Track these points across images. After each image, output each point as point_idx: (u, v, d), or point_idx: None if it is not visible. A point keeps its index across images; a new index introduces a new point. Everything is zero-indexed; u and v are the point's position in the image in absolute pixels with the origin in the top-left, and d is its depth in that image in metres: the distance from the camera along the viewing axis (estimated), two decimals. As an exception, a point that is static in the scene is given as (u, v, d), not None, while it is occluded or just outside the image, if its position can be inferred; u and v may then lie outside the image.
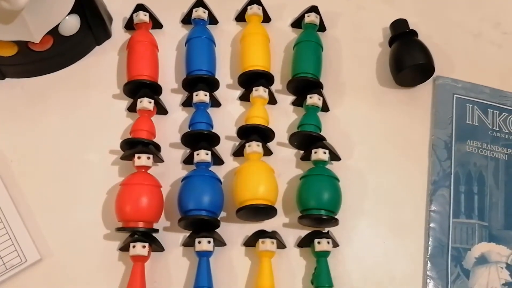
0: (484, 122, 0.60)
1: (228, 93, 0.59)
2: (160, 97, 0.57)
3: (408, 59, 0.59)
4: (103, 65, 0.59)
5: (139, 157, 0.51)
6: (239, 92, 0.59)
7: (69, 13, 0.52)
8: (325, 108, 0.58)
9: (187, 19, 0.61)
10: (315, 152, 0.54)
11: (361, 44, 0.63)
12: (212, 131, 0.55)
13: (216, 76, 0.58)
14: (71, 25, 0.53)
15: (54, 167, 0.55)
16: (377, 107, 0.60)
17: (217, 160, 0.55)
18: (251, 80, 0.57)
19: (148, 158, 0.51)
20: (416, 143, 0.59)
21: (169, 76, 0.59)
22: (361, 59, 0.62)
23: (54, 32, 0.52)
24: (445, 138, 0.59)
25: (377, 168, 0.57)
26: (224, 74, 0.60)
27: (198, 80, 0.56)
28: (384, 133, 0.59)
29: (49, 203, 0.53)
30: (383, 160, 0.58)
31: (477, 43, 0.65)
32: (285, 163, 0.57)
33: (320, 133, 0.56)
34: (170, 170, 0.55)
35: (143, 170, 0.52)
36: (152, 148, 0.52)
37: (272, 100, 0.58)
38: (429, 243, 0.54)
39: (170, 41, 0.61)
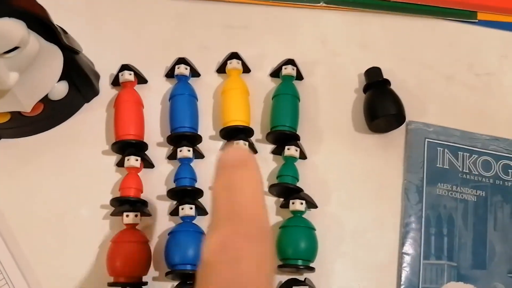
0: (454, 165, 0.63)
1: (211, 144, 0.62)
2: (146, 152, 0.60)
3: (380, 109, 0.61)
4: (92, 121, 0.62)
5: (127, 215, 0.55)
6: (221, 143, 0.62)
7: (58, 80, 0.55)
8: (302, 156, 0.61)
9: (170, 74, 0.64)
10: (293, 203, 0.57)
11: (338, 91, 0.65)
12: (196, 184, 0.59)
13: (199, 128, 0.61)
14: (60, 91, 0.56)
15: (49, 222, 0.57)
16: (353, 153, 0.63)
17: (202, 211, 0.58)
18: (232, 133, 0.60)
19: (136, 215, 0.55)
20: (389, 187, 0.62)
21: (154, 130, 0.62)
22: (338, 105, 0.65)
23: (44, 98, 0.55)
24: (416, 182, 0.62)
25: (353, 212, 0.60)
26: (207, 125, 0.63)
27: (181, 137, 0.59)
28: (360, 179, 0.62)
29: (46, 257, 0.57)
30: (359, 204, 0.61)
31: (449, 86, 0.67)
32: (266, 211, 0.60)
33: (298, 183, 0.59)
34: (158, 221, 0.58)
35: (131, 226, 0.55)
36: (140, 206, 0.56)
37: (253, 150, 0.61)
38: (401, 284, 0.58)
39: (155, 95, 0.64)
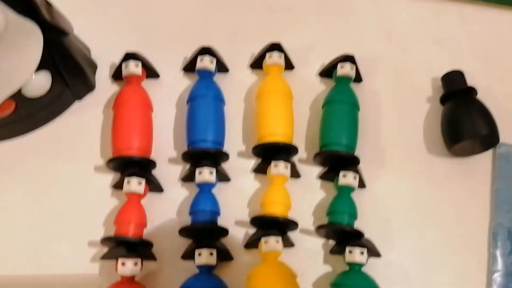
0: (557, 203, 0.48)
1: (239, 164, 0.48)
2: (154, 171, 0.46)
3: (466, 128, 0.47)
4: (84, 126, 0.48)
5: (123, 263, 0.40)
6: (253, 161, 0.48)
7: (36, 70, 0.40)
8: (360, 184, 0.46)
9: (190, 67, 0.49)
10: (350, 252, 0.42)
11: (406, 99, 0.51)
12: (219, 219, 0.44)
13: (226, 141, 0.47)
14: (38, 85, 0.42)
15: (16, 260, 0.44)
16: (425, 182, 0.49)
17: (225, 255, 0.43)
18: (269, 151, 0.45)
19: (135, 263, 0.40)
20: (473, 229, 0.47)
21: (166, 142, 0.48)
22: (406, 118, 0.51)
23: (16, 94, 0.40)
24: (508, 225, 0.47)
25: (424, 263, 0.46)
26: (235, 138, 0.49)
27: (201, 154, 0.44)
28: (434, 217, 0.48)
29: None
30: (432, 252, 0.47)
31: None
32: (310, 257, 0.46)
33: (355, 223, 0.44)
34: (166, 268, 0.45)
35: (129, 279, 0.41)
36: (141, 249, 0.41)
37: (295, 174, 0.46)
38: None
39: (169, 94, 0.50)
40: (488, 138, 0.47)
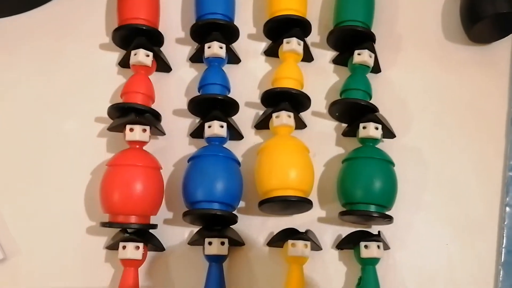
0: None
1: (250, 46, 0.47)
2: (161, 48, 0.45)
3: (486, 7, 0.45)
4: (88, 3, 0.47)
5: (131, 129, 0.40)
6: (264, 44, 0.47)
7: None
8: (376, 68, 0.45)
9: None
10: (364, 128, 0.41)
11: None
12: (229, 95, 0.43)
13: (235, 23, 0.45)
14: None
15: (22, 140, 0.44)
16: (442, 68, 0.47)
17: (235, 133, 0.42)
18: (281, 29, 0.44)
19: (144, 130, 0.40)
20: (490, 116, 0.47)
21: (173, 21, 0.47)
22: (423, 3, 0.49)
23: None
24: (528, 111, 0.46)
25: (440, 148, 0.45)
26: (246, 20, 0.47)
27: (211, 27, 0.42)
28: (450, 103, 0.47)
29: (16, 188, 0.43)
30: (448, 137, 0.46)
31: None
32: (323, 139, 0.45)
33: (371, 101, 0.43)
34: (174, 145, 0.44)
35: (137, 146, 0.40)
36: (150, 117, 0.40)
37: (308, 57, 0.45)
38: (503, 246, 0.43)
39: None
40: (509, 18, 0.45)
